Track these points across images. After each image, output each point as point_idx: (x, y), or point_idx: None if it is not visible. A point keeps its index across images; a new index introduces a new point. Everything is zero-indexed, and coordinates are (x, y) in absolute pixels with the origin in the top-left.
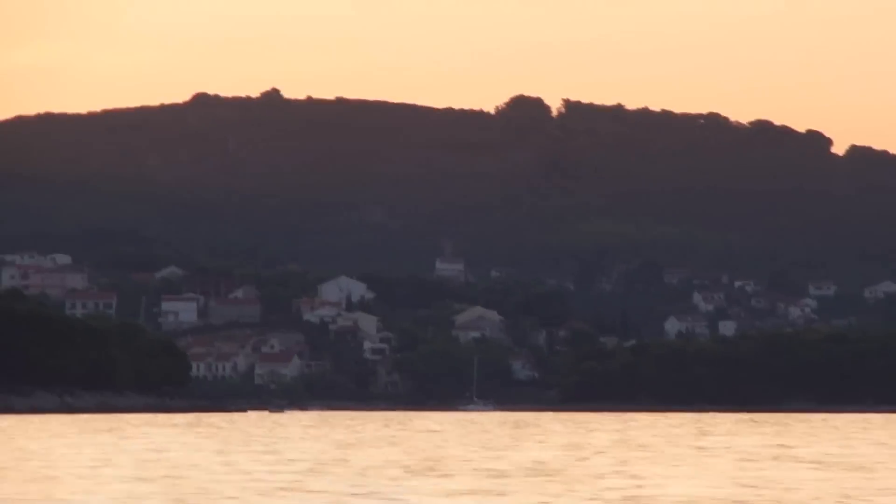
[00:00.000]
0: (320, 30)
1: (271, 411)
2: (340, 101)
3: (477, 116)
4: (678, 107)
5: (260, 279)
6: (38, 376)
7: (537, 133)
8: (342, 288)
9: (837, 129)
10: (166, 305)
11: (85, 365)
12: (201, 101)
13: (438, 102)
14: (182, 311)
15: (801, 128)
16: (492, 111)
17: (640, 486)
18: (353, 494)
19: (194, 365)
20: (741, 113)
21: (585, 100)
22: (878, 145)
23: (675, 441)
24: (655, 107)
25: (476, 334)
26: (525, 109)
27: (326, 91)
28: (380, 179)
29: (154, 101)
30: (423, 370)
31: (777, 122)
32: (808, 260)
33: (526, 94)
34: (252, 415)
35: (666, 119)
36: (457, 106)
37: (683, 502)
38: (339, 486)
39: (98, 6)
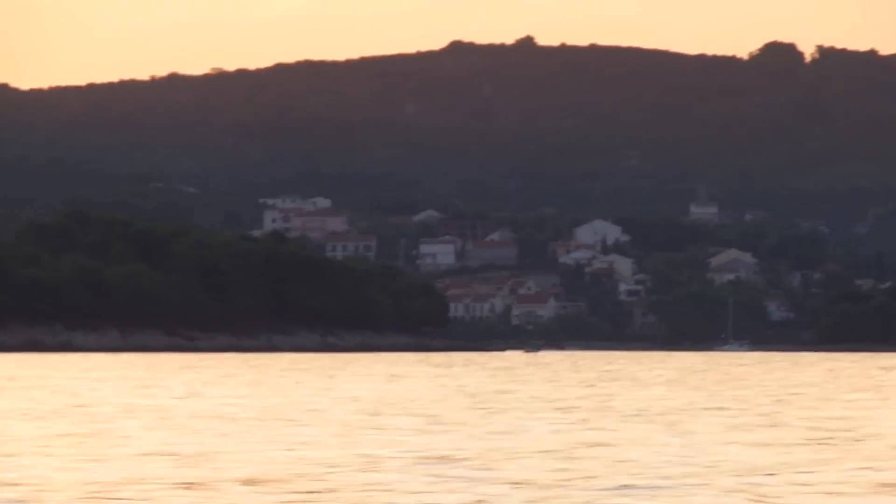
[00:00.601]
0: None
1: (526, 351)
2: (594, 48)
3: (730, 62)
4: None
5: (516, 222)
6: (300, 316)
7: (790, 78)
8: (597, 231)
9: None
10: (424, 248)
11: (346, 305)
12: (456, 48)
13: (691, 48)
14: (440, 253)
15: None
16: (745, 57)
17: None
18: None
19: (452, 306)
20: None
21: (839, 45)
22: None
23: None
24: None
25: (731, 276)
26: (778, 55)
27: (580, 38)
28: (634, 124)
29: (410, 48)
30: (678, 312)
31: None
32: None
33: (779, 40)
34: (510, 354)
35: None
36: (709, 52)
37: None
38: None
39: None
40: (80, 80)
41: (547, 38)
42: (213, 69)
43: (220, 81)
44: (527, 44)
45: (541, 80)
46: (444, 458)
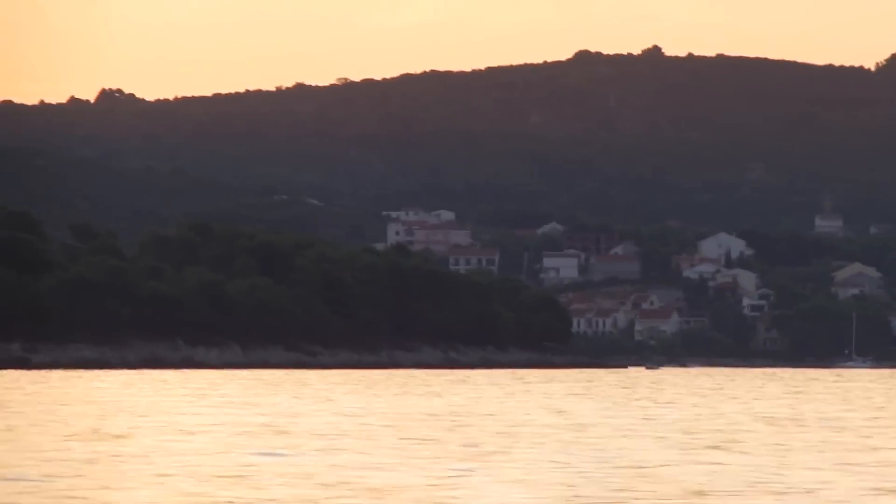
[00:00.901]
0: None
1: (648, 368)
2: (720, 58)
3: (857, 73)
4: None
5: (640, 235)
6: (422, 331)
7: None
8: (721, 244)
9: None
10: (547, 261)
11: (468, 320)
12: (583, 58)
13: (818, 59)
14: (563, 267)
15: None
16: (871, 68)
17: None
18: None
19: (575, 321)
20: None
21: None
22: None
23: None
24: None
25: (855, 291)
26: None
27: (707, 48)
28: (760, 136)
29: (536, 58)
30: (802, 327)
31: None
32: None
33: None
34: (633, 371)
35: None
36: (836, 62)
37: None
38: None
39: None
40: (206, 91)
41: (674, 47)
42: (338, 79)
43: (345, 92)
44: (653, 54)
45: (666, 90)
46: None
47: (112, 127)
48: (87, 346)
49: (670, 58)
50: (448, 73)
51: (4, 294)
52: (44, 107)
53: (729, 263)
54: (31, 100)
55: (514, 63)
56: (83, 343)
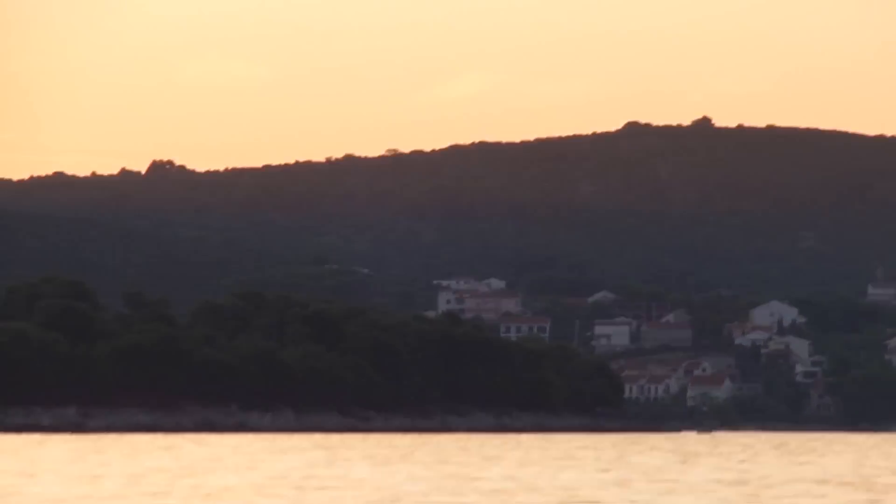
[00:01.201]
0: (750, 56)
1: (699, 432)
2: (771, 129)
3: None
4: None
5: (691, 303)
6: (474, 397)
7: None
8: (773, 312)
9: None
10: (599, 329)
11: (520, 386)
12: (632, 129)
13: (870, 129)
14: (614, 334)
15: None
16: None
17: None
18: None
19: (627, 387)
20: None
21: None
22: None
23: None
24: None
25: None
26: None
27: (757, 118)
28: (811, 205)
29: (586, 129)
30: (855, 394)
31: None
32: None
33: None
34: (690, 435)
35: None
36: (888, 132)
37: None
38: None
39: (529, 37)
40: (256, 162)
41: (724, 119)
42: (388, 150)
43: (395, 163)
44: (703, 125)
45: (717, 161)
46: None
47: (163, 198)
48: (141, 411)
49: (720, 129)
50: (497, 145)
51: (59, 360)
52: (95, 178)
53: (781, 331)
54: (82, 171)
55: (564, 134)
56: (137, 408)
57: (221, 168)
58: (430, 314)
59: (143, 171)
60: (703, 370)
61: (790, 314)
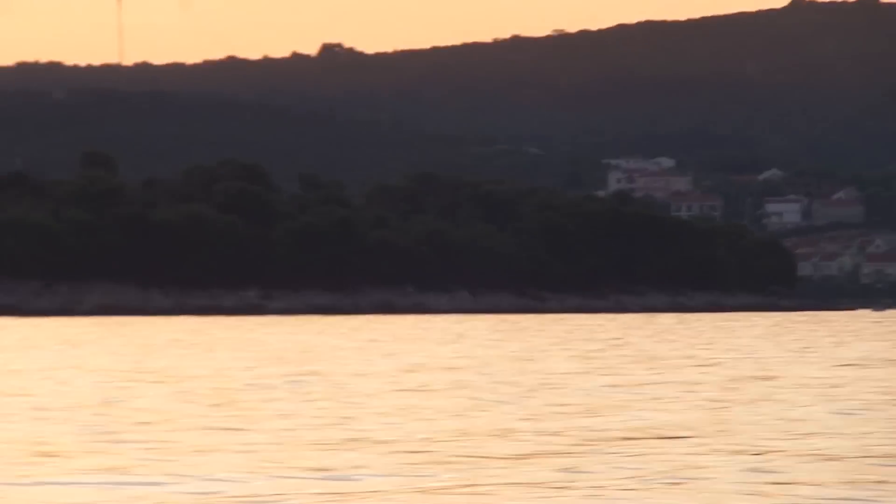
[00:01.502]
0: None
1: (874, 310)
2: None
3: None
4: None
5: (862, 180)
6: (647, 277)
7: None
8: None
9: None
10: (770, 207)
11: (693, 266)
12: (798, 6)
13: None
14: (785, 212)
15: None
16: None
17: None
18: None
19: (799, 265)
20: None
21: None
22: None
23: None
24: None
25: None
26: None
27: None
28: None
29: (751, 6)
30: None
31: None
32: None
33: None
34: (861, 313)
35: None
36: None
37: None
38: None
39: None
40: (424, 44)
41: None
42: (554, 30)
43: (561, 42)
44: (869, 2)
45: (882, 37)
46: None
47: (333, 81)
48: (320, 293)
49: (885, 4)
50: (663, 23)
51: (238, 243)
52: (267, 61)
53: None
54: (254, 55)
55: (730, 12)
56: (316, 290)
57: (390, 49)
58: (601, 194)
59: (314, 54)
60: (877, 247)
61: None
